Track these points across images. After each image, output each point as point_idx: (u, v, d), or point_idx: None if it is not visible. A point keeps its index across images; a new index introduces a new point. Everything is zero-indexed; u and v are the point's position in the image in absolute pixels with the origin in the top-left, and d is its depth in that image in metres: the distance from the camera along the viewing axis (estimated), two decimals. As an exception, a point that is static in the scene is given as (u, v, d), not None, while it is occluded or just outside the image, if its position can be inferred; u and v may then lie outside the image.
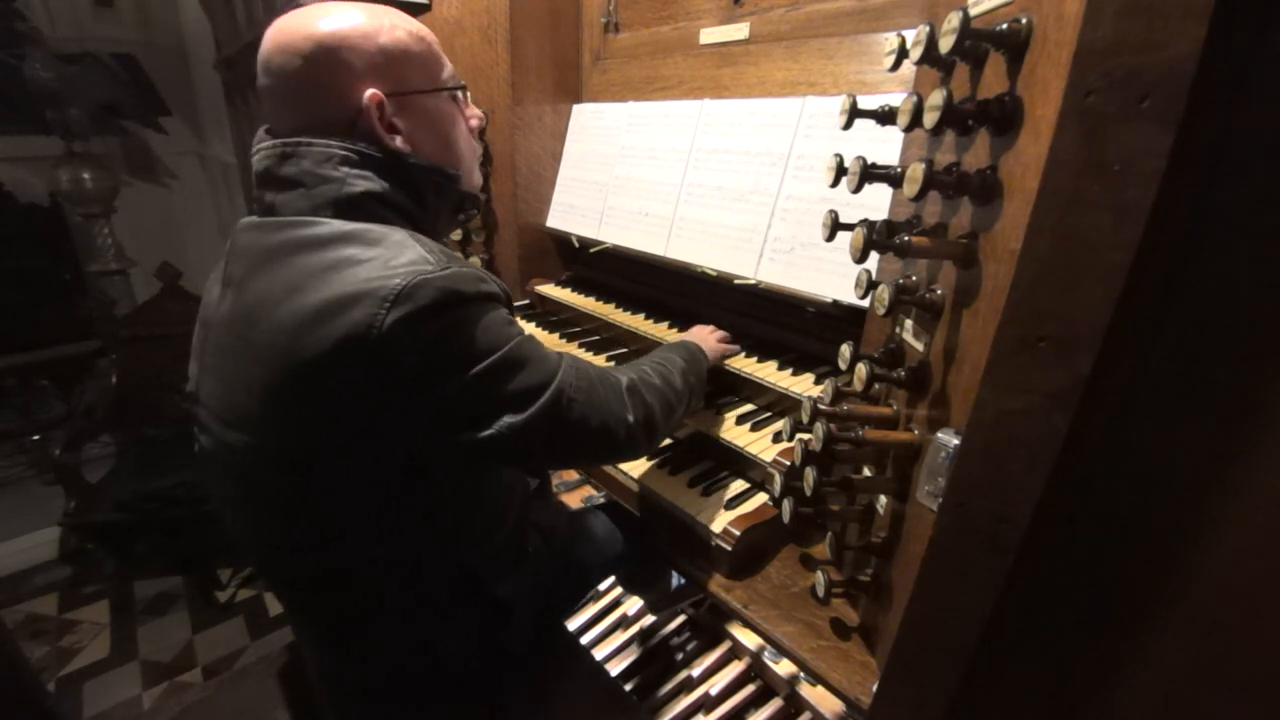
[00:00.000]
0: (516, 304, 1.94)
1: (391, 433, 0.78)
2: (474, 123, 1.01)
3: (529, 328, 1.79)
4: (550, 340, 1.70)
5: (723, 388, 1.40)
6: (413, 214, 0.87)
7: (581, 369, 0.89)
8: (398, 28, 0.87)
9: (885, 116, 0.77)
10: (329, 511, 0.83)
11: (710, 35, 1.51)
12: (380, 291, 0.72)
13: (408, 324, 0.72)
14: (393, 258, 0.75)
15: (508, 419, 0.79)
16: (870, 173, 0.76)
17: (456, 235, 1.89)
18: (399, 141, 0.86)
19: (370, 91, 0.83)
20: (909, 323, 0.83)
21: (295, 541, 0.87)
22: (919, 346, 0.78)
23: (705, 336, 1.32)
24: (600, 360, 1.55)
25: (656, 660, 1.57)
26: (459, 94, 0.97)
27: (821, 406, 0.84)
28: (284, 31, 0.82)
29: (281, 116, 0.85)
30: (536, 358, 0.83)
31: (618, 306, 1.71)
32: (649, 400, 0.97)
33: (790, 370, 1.30)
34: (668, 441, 1.34)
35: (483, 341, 0.78)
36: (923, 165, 0.64)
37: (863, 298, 0.81)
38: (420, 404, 0.76)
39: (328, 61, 0.81)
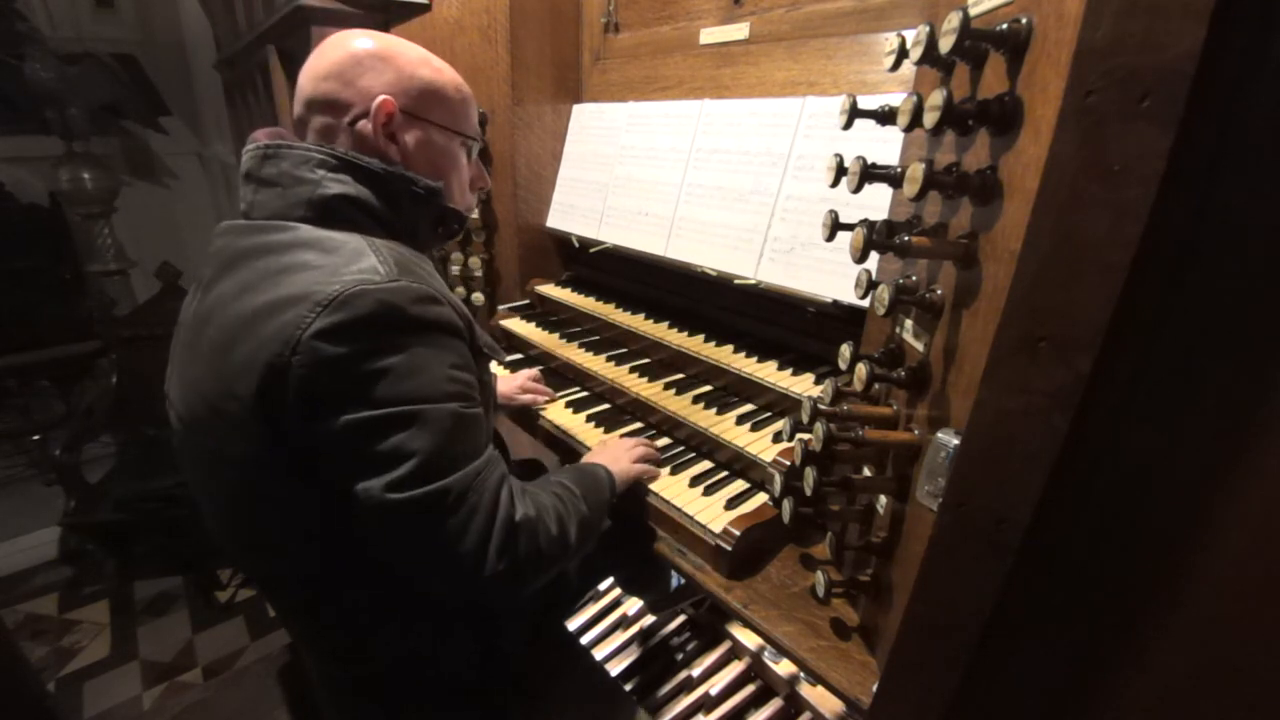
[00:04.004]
0: (516, 304, 1.94)
1: (301, 447, 0.74)
2: (479, 185, 1.05)
3: (529, 327, 1.79)
4: (550, 340, 1.70)
5: (723, 388, 1.40)
6: (387, 221, 0.87)
7: (491, 482, 0.78)
8: (443, 73, 0.94)
9: (885, 116, 0.77)
10: (293, 513, 0.81)
11: (710, 35, 1.51)
12: (317, 295, 0.70)
13: (334, 333, 0.70)
14: (344, 265, 0.74)
15: (377, 484, 0.71)
16: (870, 173, 0.76)
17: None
18: (392, 150, 0.89)
19: (385, 96, 0.86)
20: (909, 323, 0.83)
21: (264, 542, 0.87)
22: (919, 346, 0.78)
23: (621, 457, 1.15)
24: (600, 360, 1.56)
25: (656, 660, 1.57)
26: (472, 148, 1.00)
27: (821, 406, 0.83)
28: (347, 33, 0.90)
29: (302, 90, 0.89)
30: (455, 440, 0.75)
31: (618, 306, 1.71)
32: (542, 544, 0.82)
33: (790, 370, 1.30)
34: (667, 440, 1.34)
35: (404, 385, 0.72)
36: (923, 165, 0.64)
37: (863, 298, 0.81)
38: (313, 423, 0.72)
39: (369, 59, 0.87)
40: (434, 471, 0.72)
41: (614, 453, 1.17)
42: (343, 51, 0.87)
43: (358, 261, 0.75)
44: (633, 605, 1.70)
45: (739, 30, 1.44)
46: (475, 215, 1.86)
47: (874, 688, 0.82)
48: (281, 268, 0.75)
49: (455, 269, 1.94)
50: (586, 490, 0.97)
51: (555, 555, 0.85)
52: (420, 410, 0.73)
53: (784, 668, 1.39)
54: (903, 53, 0.76)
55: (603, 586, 1.79)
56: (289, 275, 0.74)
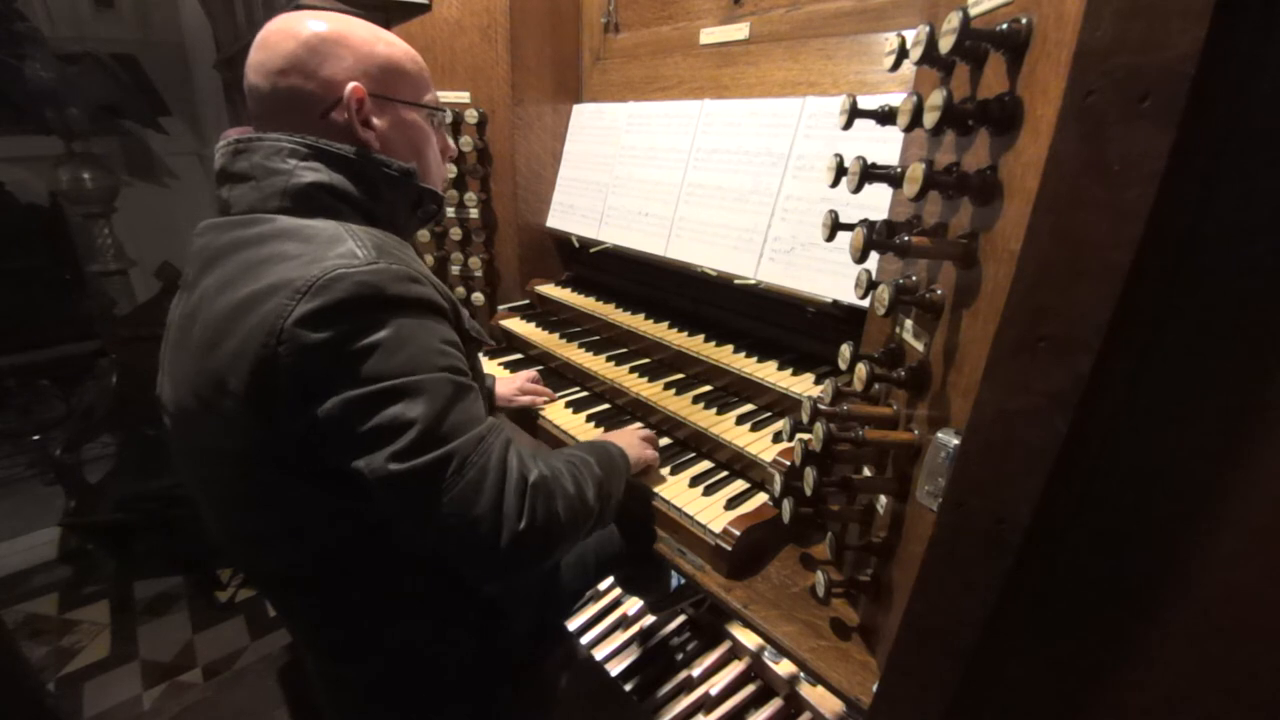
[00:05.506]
0: (516, 304, 1.94)
1: (297, 437, 0.74)
2: (449, 154, 1.05)
3: (529, 328, 1.79)
4: (550, 340, 1.70)
5: (723, 388, 1.40)
6: (365, 207, 0.86)
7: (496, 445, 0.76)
8: (396, 45, 0.91)
9: (885, 116, 0.77)
10: (289, 509, 0.81)
11: (710, 35, 1.51)
12: (296, 283, 0.70)
13: (315, 318, 0.69)
14: (322, 251, 0.74)
15: (380, 457, 0.70)
16: (870, 173, 0.76)
17: (457, 235, 1.89)
18: (370, 136, 0.88)
19: (354, 84, 0.85)
20: (909, 323, 0.82)
21: (261, 540, 0.87)
22: (919, 346, 0.78)
23: (629, 437, 1.17)
24: (600, 360, 1.56)
25: (656, 660, 1.57)
26: (437, 118, 0.99)
27: (821, 406, 0.83)
28: (287, 19, 0.84)
29: (258, 89, 0.84)
30: (453, 407, 0.74)
31: (618, 306, 1.71)
32: (557, 507, 0.80)
33: (790, 370, 1.30)
34: (667, 440, 1.34)
35: (394, 359, 0.71)
36: (923, 165, 0.64)
37: (863, 298, 0.81)
38: (309, 409, 0.71)
39: (323, 45, 0.83)
40: (436, 439, 0.71)
41: (622, 436, 1.17)
42: (293, 41, 0.82)
43: (335, 247, 0.75)
44: (633, 605, 1.70)
45: (739, 30, 1.44)
46: (475, 215, 1.86)
47: (874, 688, 0.82)
48: (261, 259, 0.75)
49: (455, 269, 1.94)
50: (598, 457, 0.96)
51: (576, 515, 0.83)
52: (414, 380, 0.72)
53: (784, 668, 1.39)
54: (903, 53, 0.76)
55: (603, 586, 1.79)
56: (268, 266, 0.74)
